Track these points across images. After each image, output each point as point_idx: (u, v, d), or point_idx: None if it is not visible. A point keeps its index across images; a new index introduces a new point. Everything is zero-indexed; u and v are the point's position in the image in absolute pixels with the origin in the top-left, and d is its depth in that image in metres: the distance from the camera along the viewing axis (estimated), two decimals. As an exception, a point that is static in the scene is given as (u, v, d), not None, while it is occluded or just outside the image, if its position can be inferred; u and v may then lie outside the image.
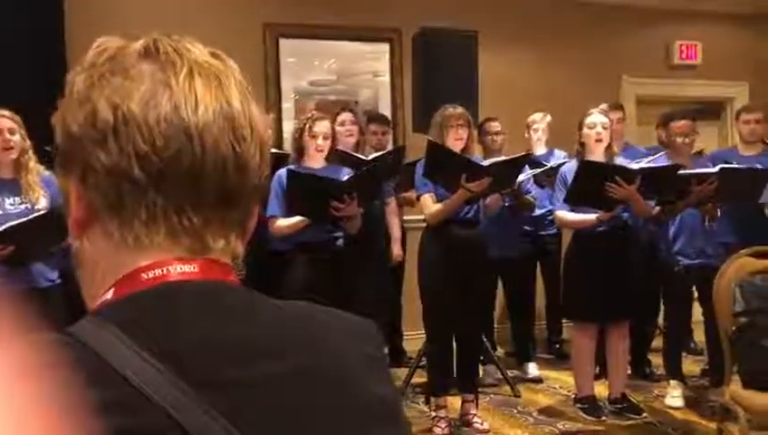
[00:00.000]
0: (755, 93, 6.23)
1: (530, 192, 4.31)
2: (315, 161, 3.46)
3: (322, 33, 5.33)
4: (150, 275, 0.59)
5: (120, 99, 0.58)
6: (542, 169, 4.24)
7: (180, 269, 0.60)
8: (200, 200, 0.61)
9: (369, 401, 0.61)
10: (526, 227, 4.65)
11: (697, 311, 4.08)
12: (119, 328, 0.54)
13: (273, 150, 4.00)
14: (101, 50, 0.62)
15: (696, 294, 4.08)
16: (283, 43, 5.31)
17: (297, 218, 3.32)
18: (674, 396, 3.93)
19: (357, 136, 4.12)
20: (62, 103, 0.61)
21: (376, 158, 4.05)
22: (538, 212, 4.56)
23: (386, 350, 4.80)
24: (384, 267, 4.28)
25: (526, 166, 4.24)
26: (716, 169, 3.64)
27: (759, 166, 3.91)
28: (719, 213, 3.97)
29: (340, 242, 3.45)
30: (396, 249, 4.30)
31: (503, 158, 3.79)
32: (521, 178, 4.10)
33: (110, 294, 0.59)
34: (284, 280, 3.36)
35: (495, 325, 4.83)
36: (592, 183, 3.41)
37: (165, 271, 0.59)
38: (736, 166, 3.82)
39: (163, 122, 0.58)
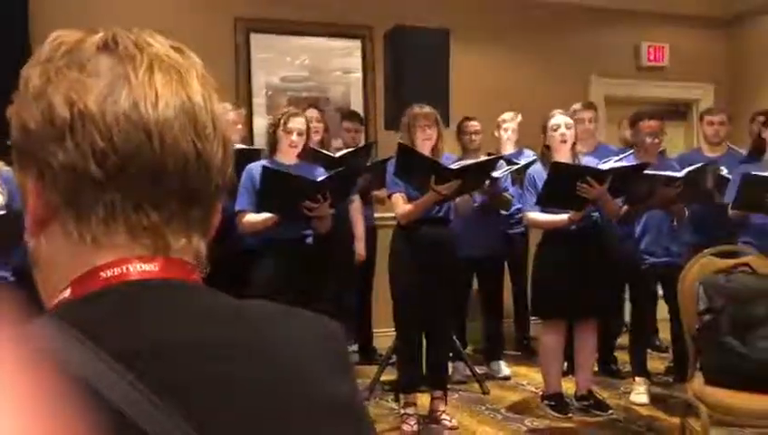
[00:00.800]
0: (720, 95, 6.36)
1: (507, 190, 4.34)
2: (288, 157, 3.45)
3: (294, 28, 5.31)
4: (109, 274, 0.58)
5: (77, 95, 0.57)
6: (518, 166, 4.27)
7: (141, 268, 0.59)
8: (161, 198, 0.60)
9: (328, 401, 0.61)
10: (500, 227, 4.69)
11: (663, 309, 4.15)
12: (75, 327, 0.53)
13: (243, 147, 3.98)
14: (58, 43, 0.60)
15: (661, 293, 4.16)
16: (255, 38, 5.27)
17: (266, 215, 3.30)
18: (639, 393, 3.99)
19: (322, 133, 4.12)
20: (17, 98, 0.60)
21: (345, 155, 4.05)
22: (507, 212, 4.59)
23: (351, 348, 4.83)
24: (351, 266, 4.28)
25: (503, 163, 4.28)
26: (683, 173, 3.70)
27: (723, 168, 4.00)
28: (686, 213, 4.05)
29: (309, 240, 3.44)
30: (359, 248, 4.30)
31: (471, 161, 3.81)
32: (499, 174, 4.14)
33: (67, 293, 0.58)
34: (253, 277, 3.34)
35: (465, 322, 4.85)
36: (564, 184, 3.45)
37: (125, 270, 0.58)
38: (699, 165, 3.89)
39: (121, 119, 0.57)
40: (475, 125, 4.64)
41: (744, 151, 4.34)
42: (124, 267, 0.58)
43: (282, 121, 3.41)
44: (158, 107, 0.58)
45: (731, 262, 2.88)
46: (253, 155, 3.71)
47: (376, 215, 4.73)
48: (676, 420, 3.24)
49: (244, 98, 5.15)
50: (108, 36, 0.60)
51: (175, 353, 0.55)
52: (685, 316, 2.87)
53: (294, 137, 3.41)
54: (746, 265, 2.85)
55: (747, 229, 3.79)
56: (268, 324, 0.63)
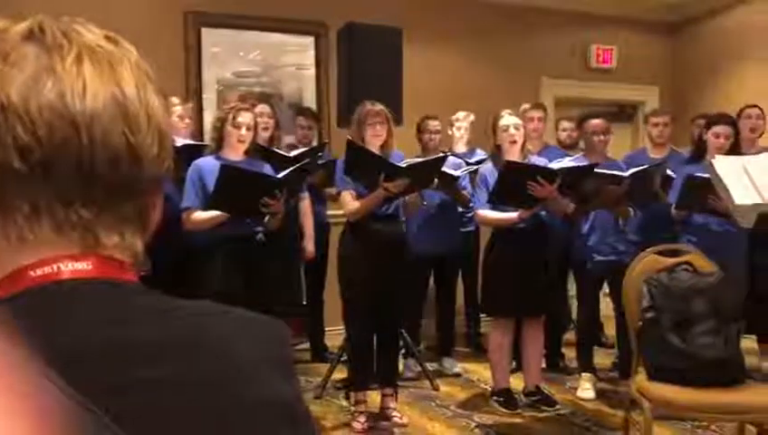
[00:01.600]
0: (665, 97, 6.54)
1: (466, 188, 4.38)
2: (235, 153, 3.40)
3: (247, 23, 5.25)
4: (39, 273, 0.55)
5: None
6: (475, 167, 4.31)
7: (72, 267, 0.56)
8: (90, 193, 0.57)
9: (269, 404, 0.60)
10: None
11: (609, 306, 4.25)
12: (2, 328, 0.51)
13: (190, 142, 3.91)
14: None
15: (607, 290, 4.25)
16: (206, 32, 5.19)
17: (215, 212, 3.25)
18: (585, 388, 4.08)
19: (272, 129, 4.08)
20: None
21: (298, 154, 4.02)
22: (466, 209, 4.62)
23: (302, 346, 4.80)
24: (299, 264, 4.27)
25: (462, 162, 4.32)
26: (628, 172, 3.79)
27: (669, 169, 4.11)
28: (632, 213, 4.15)
29: (260, 237, 3.41)
30: (309, 246, 4.28)
31: (419, 159, 3.83)
32: (457, 173, 4.18)
33: None
34: (202, 276, 3.29)
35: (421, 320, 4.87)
36: (515, 182, 3.50)
37: (56, 268, 0.56)
38: (645, 167, 3.99)
39: (46, 111, 0.55)
40: (435, 124, 4.67)
41: (686, 153, 4.46)
42: (55, 266, 0.56)
43: (230, 116, 3.36)
44: (86, 98, 0.56)
45: (673, 260, 2.96)
46: (200, 150, 3.65)
47: (329, 212, 4.72)
48: (621, 415, 3.31)
49: (194, 93, 5.07)
50: (34, 25, 0.58)
51: (108, 356, 0.53)
52: (629, 313, 2.93)
53: (243, 132, 3.36)
54: (688, 263, 2.93)
55: (689, 228, 3.92)
56: (206, 325, 0.62)
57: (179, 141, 3.84)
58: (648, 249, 3.07)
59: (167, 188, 3.50)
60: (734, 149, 3.79)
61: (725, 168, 2.05)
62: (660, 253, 3.05)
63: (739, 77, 6.12)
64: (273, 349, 0.64)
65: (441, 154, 4.04)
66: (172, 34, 5.03)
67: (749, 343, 4.49)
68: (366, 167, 3.44)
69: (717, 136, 3.82)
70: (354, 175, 3.49)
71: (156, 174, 0.61)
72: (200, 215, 3.29)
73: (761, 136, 4.49)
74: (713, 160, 2.16)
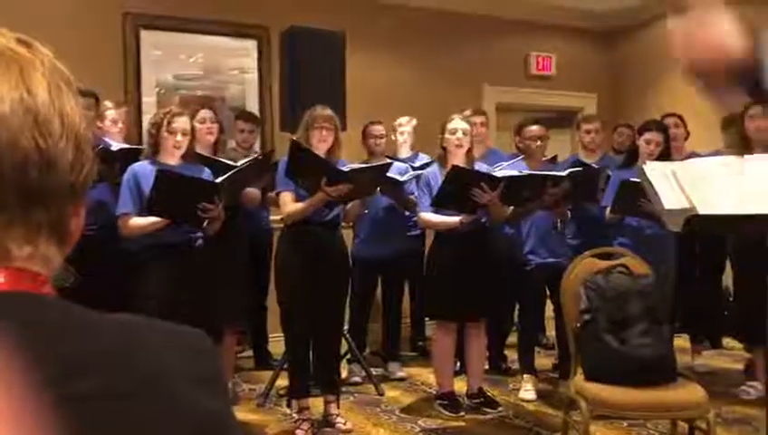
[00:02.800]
0: (603, 104, 6.73)
1: (413, 193, 4.40)
2: (171, 158, 3.34)
3: (188, 26, 5.17)
4: None
5: None
6: (420, 172, 4.33)
7: None
8: None
9: (194, 418, 0.59)
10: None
11: (550, 307, 4.34)
12: None
13: (125, 146, 3.83)
14: None
15: (547, 292, 4.34)
16: (146, 34, 5.09)
17: (153, 219, 3.18)
18: (527, 389, 4.15)
19: (216, 134, 4.02)
20: None
21: (244, 163, 3.97)
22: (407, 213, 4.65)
23: (245, 354, 4.72)
24: (243, 270, 4.22)
25: (408, 168, 4.34)
26: (566, 172, 3.89)
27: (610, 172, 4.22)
28: (569, 215, 4.25)
29: (199, 243, 3.35)
30: None
31: (363, 165, 3.83)
32: (404, 178, 4.19)
33: None
34: (138, 285, 3.21)
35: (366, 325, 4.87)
36: (459, 188, 3.54)
37: None
38: (584, 166, 4.09)
39: None
40: (379, 129, 4.69)
41: (619, 157, 4.59)
42: None
43: (165, 121, 3.30)
44: None
45: (609, 263, 3.04)
46: (137, 154, 3.57)
47: (272, 217, 4.67)
48: (561, 415, 3.38)
49: (132, 96, 4.96)
50: None
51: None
52: (567, 315, 3.00)
53: (179, 137, 3.30)
54: (623, 265, 3.01)
55: (623, 231, 4.03)
56: (128, 339, 0.60)
57: (116, 145, 3.75)
58: (586, 252, 3.14)
59: (102, 195, 3.42)
60: (665, 155, 3.93)
61: (656, 173, 2.12)
62: (597, 256, 3.13)
63: (670, 85, 6.34)
64: (200, 363, 0.63)
65: (386, 160, 4.06)
66: (110, 36, 4.92)
67: (682, 341, 4.66)
68: (308, 169, 3.41)
69: (648, 142, 3.95)
70: (296, 177, 3.45)
71: (73, 181, 0.59)
72: (138, 221, 3.21)
73: (685, 140, 4.66)
74: (644, 166, 2.23)
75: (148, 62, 5.10)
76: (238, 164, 3.82)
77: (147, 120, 4.94)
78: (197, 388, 0.60)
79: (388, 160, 3.92)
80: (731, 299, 4.75)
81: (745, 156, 2.53)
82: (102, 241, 3.41)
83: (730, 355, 4.96)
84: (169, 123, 3.27)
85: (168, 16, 5.08)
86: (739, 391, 4.05)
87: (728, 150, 4.25)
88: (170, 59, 5.19)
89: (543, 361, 4.73)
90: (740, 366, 4.63)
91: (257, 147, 4.89)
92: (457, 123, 3.78)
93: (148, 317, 0.65)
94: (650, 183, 2.08)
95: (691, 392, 2.72)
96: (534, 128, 4.12)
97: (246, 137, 4.65)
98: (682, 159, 3.07)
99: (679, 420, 2.96)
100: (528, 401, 4.07)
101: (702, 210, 1.99)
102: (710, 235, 4.08)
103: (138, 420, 0.55)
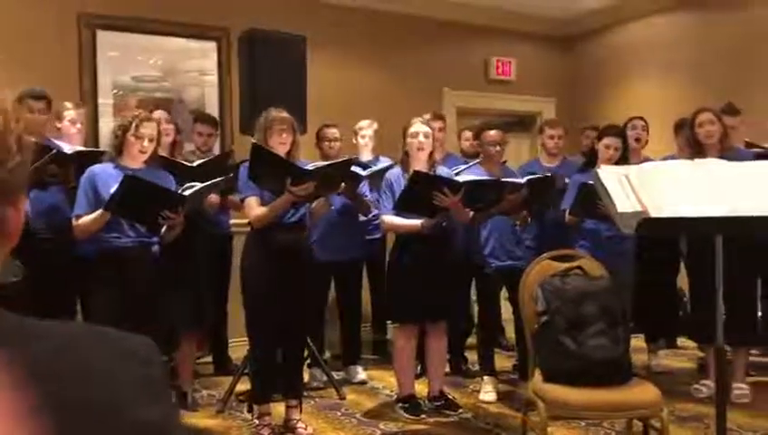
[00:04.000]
0: (561, 108, 6.84)
1: (366, 195, 4.41)
2: (135, 162, 3.30)
3: (146, 27, 5.10)
4: None
5: None
6: (378, 168, 4.34)
7: None
8: None
9: (137, 426, 0.58)
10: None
11: (509, 309, 4.38)
12: None
13: (83, 149, 3.76)
14: None
15: (506, 294, 4.38)
16: (102, 35, 5.00)
17: (97, 212, 3.13)
18: (487, 391, 4.18)
19: (173, 135, 3.98)
20: None
21: (202, 164, 3.93)
22: (363, 217, 4.65)
23: (205, 359, 4.66)
24: (201, 274, 4.18)
25: (362, 169, 4.33)
26: (524, 180, 3.94)
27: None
28: (528, 220, 4.30)
29: (155, 249, 3.31)
30: None
31: (326, 163, 3.83)
32: (364, 173, 4.18)
33: None
34: (91, 289, 3.15)
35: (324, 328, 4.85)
36: (421, 192, 3.56)
37: None
38: (542, 175, 4.15)
39: None
40: (333, 132, 4.67)
41: (579, 161, 4.67)
42: None
43: (133, 126, 3.25)
44: None
45: (566, 265, 3.08)
46: (95, 157, 3.51)
47: (232, 221, 4.63)
48: (521, 416, 3.41)
49: (88, 97, 4.87)
50: None
51: None
52: (525, 317, 3.03)
53: (146, 143, 3.26)
54: (579, 267, 3.06)
55: (582, 234, 4.10)
56: (74, 347, 0.59)
57: (69, 148, 3.68)
58: (543, 254, 3.18)
59: (55, 198, 3.36)
60: (623, 160, 4.01)
61: (609, 177, 2.16)
62: (554, 258, 3.17)
63: (625, 90, 6.48)
64: (145, 370, 0.63)
65: (348, 157, 4.05)
66: (65, 36, 4.82)
67: (639, 341, 4.75)
68: (272, 171, 3.39)
69: (608, 147, 4.03)
70: (259, 180, 3.43)
71: (2, 177, 0.58)
72: (85, 218, 3.17)
73: (644, 146, 4.77)
74: (598, 170, 2.27)
75: (104, 64, 5.01)
76: (194, 165, 3.79)
77: (103, 122, 4.89)
78: (141, 396, 0.60)
79: (349, 158, 3.92)
80: (685, 299, 4.87)
81: (696, 160, 2.60)
82: (55, 247, 3.34)
83: (685, 354, 5.08)
84: (137, 128, 3.23)
85: (126, 17, 5.00)
86: (692, 389, 4.14)
87: (681, 154, 4.36)
88: (128, 60, 5.11)
89: (503, 362, 4.78)
90: (694, 365, 4.74)
91: (216, 150, 4.84)
92: (419, 127, 3.80)
93: (93, 324, 0.64)
94: (604, 187, 2.13)
95: (645, 392, 2.78)
96: (493, 133, 4.17)
97: (206, 140, 4.61)
98: (637, 164, 3.15)
99: (634, 418, 3.01)
100: (488, 403, 4.10)
101: (653, 213, 2.03)
102: (665, 237, 4.16)
103: (79, 428, 0.54)
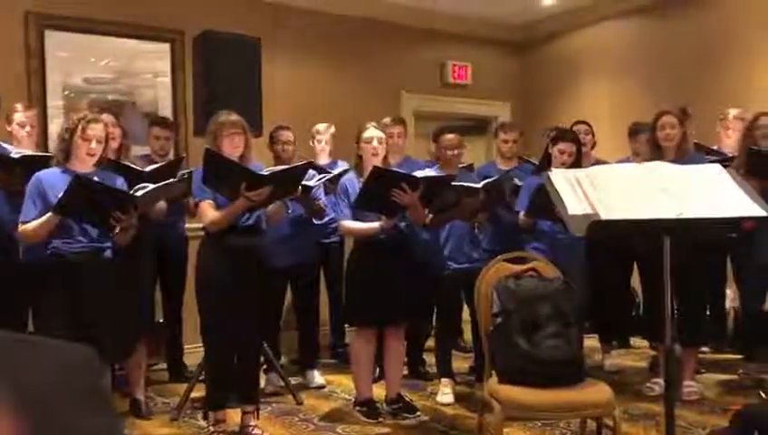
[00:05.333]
0: (516, 112, 6.94)
1: (320, 199, 4.38)
2: (84, 165, 3.22)
3: (98, 28, 5.01)
4: None
5: None
6: (331, 175, 4.33)
7: None
8: None
9: None
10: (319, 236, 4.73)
11: (466, 311, 4.41)
12: None
13: (29, 153, 3.66)
14: None
15: (463, 297, 4.41)
16: (51, 35, 4.89)
17: (48, 215, 3.05)
18: (445, 393, 4.20)
19: (120, 139, 3.90)
20: None
21: (153, 170, 3.86)
22: (320, 221, 4.63)
23: (159, 366, 4.59)
24: (151, 279, 4.12)
25: (315, 173, 4.31)
26: (481, 184, 3.98)
27: (516, 179, 4.35)
28: (485, 223, 4.34)
29: (107, 254, 3.23)
30: None
31: (282, 167, 3.80)
32: (312, 183, 4.16)
33: None
34: (39, 297, 3.07)
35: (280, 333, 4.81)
36: (380, 189, 3.55)
37: None
38: (496, 178, 4.20)
39: None
40: (287, 135, 4.63)
41: (534, 162, 4.73)
42: None
43: (79, 128, 3.18)
44: None
45: (520, 267, 3.12)
46: (43, 161, 3.42)
47: (187, 225, 4.56)
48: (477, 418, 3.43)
49: (36, 99, 4.74)
50: None
51: None
52: (480, 318, 3.05)
53: (93, 145, 3.19)
54: (533, 269, 3.10)
55: (537, 236, 4.15)
56: (9, 356, 0.57)
57: (16, 153, 3.58)
58: (498, 257, 3.21)
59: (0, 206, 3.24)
60: (577, 164, 4.07)
61: (560, 180, 2.19)
62: (509, 260, 3.20)
63: (578, 94, 6.61)
64: (83, 379, 0.61)
65: (305, 161, 4.03)
66: (10, 36, 4.69)
67: (593, 341, 4.84)
68: (226, 176, 3.35)
69: (562, 152, 4.09)
70: (214, 185, 3.39)
71: None
72: (32, 223, 3.09)
73: (593, 148, 4.85)
74: (550, 174, 2.30)
75: (54, 65, 4.89)
76: (147, 169, 3.72)
77: (53, 125, 4.77)
78: (80, 405, 0.58)
79: (307, 161, 3.90)
80: (638, 300, 4.98)
81: (645, 163, 2.65)
82: (1, 255, 3.25)
83: (638, 354, 5.18)
84: (84, 130, 3.16)
85: (76, 17, 4.90)
86: (645, 387, 4.23)
87: (636, 158, 4.46)
88: (79, 61, 5.00)
89: (461, 364, 4.81)
90: (646, 364, 4.85)
91: (172, 154, 4.77)
92: (372, 132, 3.80)
93: (43, 333, 0.62)
94: (555, 190, 2.15)
95: (598, 392, 2.82)
96: (450, 137, 4.20)
97: (163, 144, 4.54)
98: (588, 166, 3.21)
99: (588, 418, 3.06)
100: (446, 405, 4.12)
101: (604, 215, 2.07)
102: (617, 239, 4.25)
103: None
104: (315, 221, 4.56)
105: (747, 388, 4.21)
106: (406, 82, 6.35)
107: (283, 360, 4.86)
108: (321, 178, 4.29)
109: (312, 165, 3.84)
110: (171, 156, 4.67)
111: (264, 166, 3.83)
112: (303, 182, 4.02)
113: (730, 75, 5.43)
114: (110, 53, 5.12)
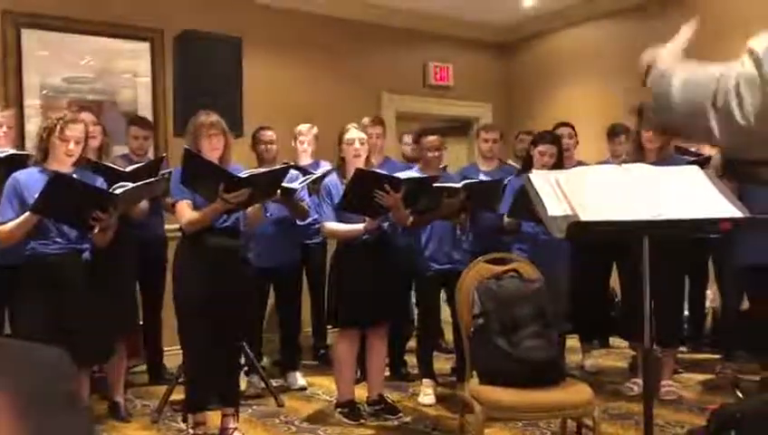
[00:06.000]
0: (498, 113, 6.96)
1: (304, 200, 4.37)
2: (62, 165, 3.19)
3: (77, 27, 4.96)
4: None
5: None
6: (314, 176, 4.32)
7: None
8: None
9: None
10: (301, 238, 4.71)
11: (448, 312, 4.41)
12: None
13: (7, 151, 3.62)
14: None
15: (445, 297, 4.42)
16: (28, 34, 4.83)
17: (25, 216, 3.01)
18: (426, 394, 4.20)
19: (100, 138, 3.86)
20: None
21: (134, 170, 3.83)
22: (304, 221, 4.62)
23: (139, 368, 4.55)
24: (132, 280, 4.08)
25: (299, 174, 4.30)
26: (462, 184, 3.99)
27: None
28: (468, 225, 4.35)
29: (86, 255, 3.20)
30: None
31: (262, 169, 3.79)
32: (296, 185, 4.15)
33: None
34: (18, 299, 3.03)
35: (262, 335, 4.79)
36: (364, 190, 3.55)
37: None
38: (480, 180, 4.22)
39: None
40: (269, 135, 4.62)
41: (516, 165, 4.75)
42: None
43: (58, 128, 3.14)
44: None
45: (501, 268, 3.12)
46: (20, 161, 3.38)
47: (166, 226, 4.52)
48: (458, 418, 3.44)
49: (13, 98, 4.69)
50: None
51: None
52: (461, 319, 3.06)
53: (72, 145, 3.16)
54: (515, 270, 3.11)
55: (519, 238, 4.17)
56: None
57: (-5, 151, 3.53)
58: (479, 258, 3.22)
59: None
60: (558, 166, 4.09)
61: (540, 181, 2.20)
62: (490, 261, 3.21)
63: (558, 96, 6.65)
64: (56, 383, 0.60)
65: (284, 164, 4.02)
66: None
67: (573, 341, 4.87)
68: (205, 177, 3.33)
69: (543, 154, 4.11)
70: (192, 185, 3.36)
71: None
72: (10, 223, 3.04)
73: (574, 148, 4.88)
74: (529, 175, 2.31)
75: (31, 64, 4.84)
76: (127, 169, 3.69)
77: (30, 124, 4.71)
78: (53, 408, 0.58)
79: (287, 164, 3.89)
80: (617, 300, 5.02)
81: (624, 165, 2.67)
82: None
83: (617, 354, 5.22)
84: (62, 130, 3.12)
85: (54, 16, 4.85)
86: (624, 387, 4.26)
87: (615, 159, 4.49)
88: (58, 61, 4.94)
89: (442, 364, 4.81)
90: (625, 364, 4.88)
91: (151, 153, 4.73)
92: (354, 133, 3.80)
93: (21, 336, 0.61)
94: (536, 191, 2.16)
95: (578, 392, 2.84)
96: (431, 138, 4.21)
97: (142, 143, 4.51)
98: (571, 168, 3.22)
99: (568, 418, 3.07)
100: (427, 406, 4.12)
101: (583, 217, 2.08)
102: (597, 239, 4.27)
103: None
104: (298, 222, 4.54)
105: (725, 387, 4.26)
106: (388, 83, 6.35)
107: (265, 361, 4.84)
108: (305, 180, 4.28)
109: (291, 167, 3.83)
110: (150, 155, 4.63)
111: (246, 167, 3.82)
112: (287, 185, 4.01)
113: (708, 78, 5.48)
114: (90, 53, 5.07)
